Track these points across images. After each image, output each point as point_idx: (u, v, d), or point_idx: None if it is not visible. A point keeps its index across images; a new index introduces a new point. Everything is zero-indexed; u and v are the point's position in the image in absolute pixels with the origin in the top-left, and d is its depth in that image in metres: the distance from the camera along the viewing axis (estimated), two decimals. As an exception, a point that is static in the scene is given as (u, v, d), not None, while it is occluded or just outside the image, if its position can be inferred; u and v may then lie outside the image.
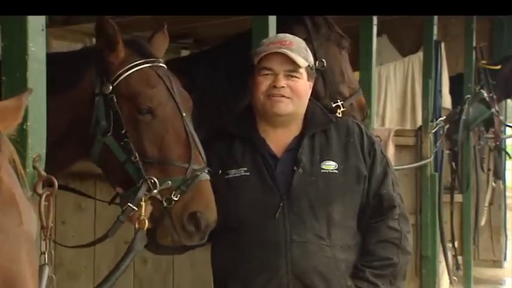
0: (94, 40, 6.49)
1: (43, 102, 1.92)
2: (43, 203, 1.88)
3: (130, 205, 2.37)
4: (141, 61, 2.50)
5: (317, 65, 4.07)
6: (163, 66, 2.57)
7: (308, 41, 4.09)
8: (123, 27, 7.35)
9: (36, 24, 1.88)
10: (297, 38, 2.86)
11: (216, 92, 4.06)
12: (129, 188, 2.41)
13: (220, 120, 3.76)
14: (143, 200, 2.36)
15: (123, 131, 2.40)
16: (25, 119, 1.86)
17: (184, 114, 2.46)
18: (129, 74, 2.47)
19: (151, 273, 3.71)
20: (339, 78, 4.20)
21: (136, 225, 2.39)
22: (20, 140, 1.86)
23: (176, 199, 2.37)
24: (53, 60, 2.47)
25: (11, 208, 1.24)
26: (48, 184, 1.90)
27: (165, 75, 2.52)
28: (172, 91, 2.48)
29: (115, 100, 2.43)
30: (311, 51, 4.15)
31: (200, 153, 2.45)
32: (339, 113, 4.02)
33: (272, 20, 3.17)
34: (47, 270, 1.84)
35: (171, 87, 2.49)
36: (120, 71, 2.47)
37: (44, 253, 1.90)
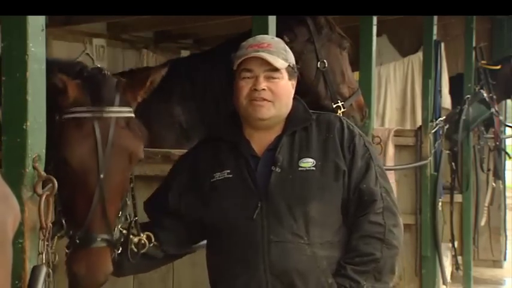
0: (93, 40, 6.51)
1: (43, 102, 1.92)
2: (43, 203, 1.88)
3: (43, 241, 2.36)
4: (82, 109, 2.36)
5: (319, 65, 4.09)
6: (112, 117, 2.39)
7: (310, 41, 4.11)
8: (123, 27, 7.31)
9: (36, 24, 1.87)
10: (275, 38, 2.84)
11: (216, 90, 4.07)
12: None
13: (219, 117, 3.76)
14: (55, 238, 2.27)
15: (50, 166, 2.27)
16: (25, 119, 1.86)
17: (101, 176, 2.32)
18: (67, 119, 2.36)
19: (151, 273, 3.71)
20: (340, 78, 4.21)
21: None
22: (19, 140, 1.86)
23: (67, 252, 2.35)
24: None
25: None
26: (48, 184, 1.90)
27: (104, 128, 2.36)
28: (101, 148, 2.33)
29: (55, 134, 2.32)
30: (313, 52, 4.19)
31: (104, 219, 2.34)
32: (340, 114, 4.03)
33: (272, 20, 3.17)
34: (44, 271, 1.83)
35: (103, 143, 2.34)
36: (64, 111, 2.37)
37: (42, 253, 1.90)
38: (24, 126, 1.85)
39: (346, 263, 2.67)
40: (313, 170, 2.70)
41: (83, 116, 2.36)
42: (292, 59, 2.79)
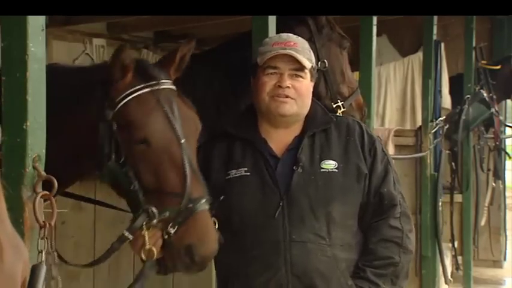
0: (93, 40, 6.51)
1: (43, 102, 1.92)
2: (39, 201, 1.87)
3: (125, 233, 2.32)
4: (140, 86, 2.39)
5: (319, 65, 4.09)
6: (167, 88, 2.44)
7: (311, 41, 4.09)
8: (123, 27, 7.31)
9: (36, 24, 1.87)
10: (300, 38, 2.86)
11: (217, 92, 4.06)
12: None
13: (220, 120, 3.76)
14: (144, 229, 2.29)
15: (122, 160, 2.33)
16: (25, 119, 1.86)
17: (183, 141, 2.34)
18: (126, 101, 2.37)
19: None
20: (340, 78, 4.21)
21: (143, 256, 2.32)
22: (19, 140, 1.86)
23: (173, 231, 2.30)
24: (64, 75, 2.42)
25: None
26: (48, 184, 1.90)
27: (166, 99, 2.40)
28: (172, 116, 2.35)
29: (115, 128, 2.34)
30: (313, 52, 4.18)
31: (199, 182, 2.35)
32: (340, 114, 4.03)
33: (272, 20, 3.17)
34: (44, 269, 1.83)
35: (171, 111, 2.37)
36: (119, 98, 2.37)
37: (42, 252, 1.89)
38: (24, 126, 1.85)
39: (365, 265, 2.69)
40: (335, 171, 2.72)
41: (143, 92, 2.38)
42: (314, 60, 2.81)
